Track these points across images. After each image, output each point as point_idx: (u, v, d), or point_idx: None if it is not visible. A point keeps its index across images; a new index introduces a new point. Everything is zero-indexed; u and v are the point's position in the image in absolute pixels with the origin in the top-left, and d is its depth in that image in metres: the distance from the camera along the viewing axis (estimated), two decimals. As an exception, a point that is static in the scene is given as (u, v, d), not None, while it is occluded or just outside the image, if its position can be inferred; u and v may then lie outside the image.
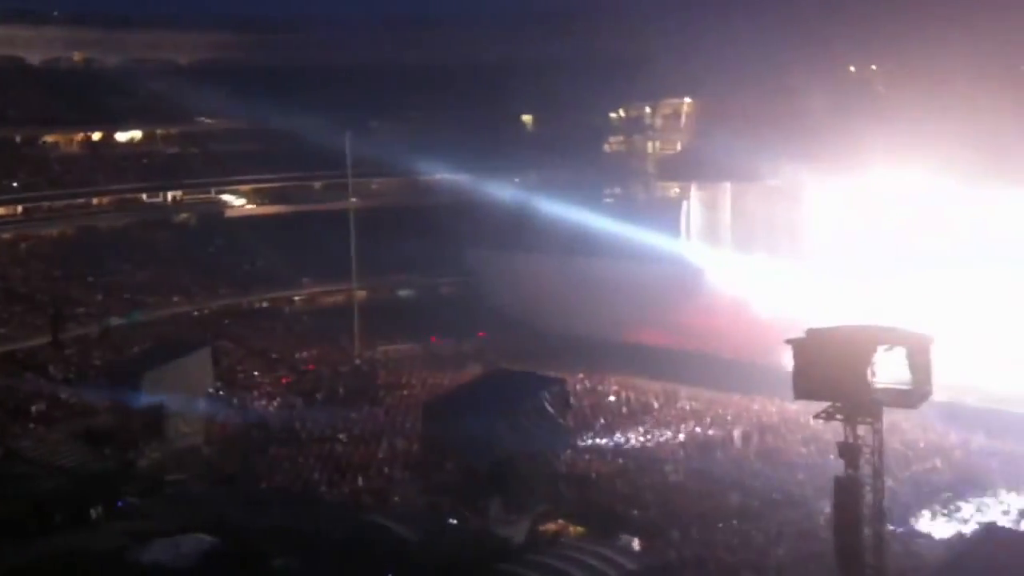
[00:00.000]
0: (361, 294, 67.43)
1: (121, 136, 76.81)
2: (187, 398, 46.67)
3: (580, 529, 36.37)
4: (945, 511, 35.29)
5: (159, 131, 78.01)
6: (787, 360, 28.35)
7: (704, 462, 42.76)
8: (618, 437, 46.65)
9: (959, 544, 30.39)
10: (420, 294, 72.08)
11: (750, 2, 64.46)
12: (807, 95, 53.33)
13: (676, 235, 61.53)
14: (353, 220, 64.97)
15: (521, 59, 78.62)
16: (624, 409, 51.33)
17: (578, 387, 51.77)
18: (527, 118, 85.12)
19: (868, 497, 27.20)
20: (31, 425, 47.76)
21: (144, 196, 73.89)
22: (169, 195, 74.63)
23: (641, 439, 46.28)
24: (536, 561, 31.86)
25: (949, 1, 55.37)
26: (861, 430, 27.34)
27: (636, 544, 34.13)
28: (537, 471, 38.76)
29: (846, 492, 27.17)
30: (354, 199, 67.62)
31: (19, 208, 67.90)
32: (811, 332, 28.11)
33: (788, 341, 28.15)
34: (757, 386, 48.86)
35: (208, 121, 78.13)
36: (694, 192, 64.18)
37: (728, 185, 61.63)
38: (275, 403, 53.96)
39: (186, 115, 76.93)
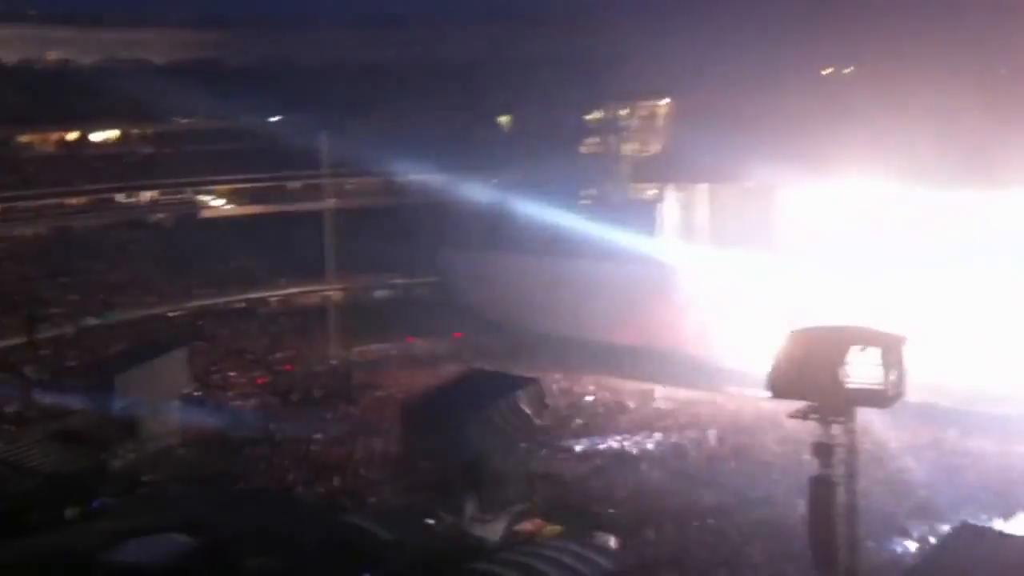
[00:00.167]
0: (337, 294, 67.38)
1: (96, 136, 76.40)
2: (162, 399, 46.59)
3: (556, 528, 36.46)
4: (919, 510, 35.60)
5: (134, 131, 77.62)
6: (762, 360, 28.61)
7: (679, 461, 43.03)
8: (593, 436, 46.81)
9: (932, 543, 30.64)
10: (396, 294, 72.07)
11: (726, 5, 64.76)
12: (783, 97, 53.77)
13: (652, 236, 61.76)
14: (329, 220, 64.87)
15: (497, 59, 78.78)
16: (600, 408, 51.53)
17: (554, 387, 51.86)
18: (503, 118, 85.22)
19: (842, 496, 27.48)
20: (5, 426, 47.46)
21: (119, 196, 73.50)
22: (145, 195, 74.29)
23: (616, 438, 46.43)
24: (512, 560, 31.96)
25: (925, 4, 55.91)
26: (835, 430, 27.60)
27: (612, 543, 34.30)
28: (513, 471, 38.93)
29: (820, 491, 27.45)
30: (330, 199, 67.54)
31: (-7, 208, 67.50)
32: (791, 334, 28.39)
33: (765, 342, 28.44)
34: (731, 385, 49.15)
35: (184, 121, 77.80)
36: (670, 193, 64.43)
37: (704, 186, 61.93)
38: (251, 403, 53.84)
39: (162, 115, 76.57)
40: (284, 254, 69.52)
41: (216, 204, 76.72)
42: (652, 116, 75.99)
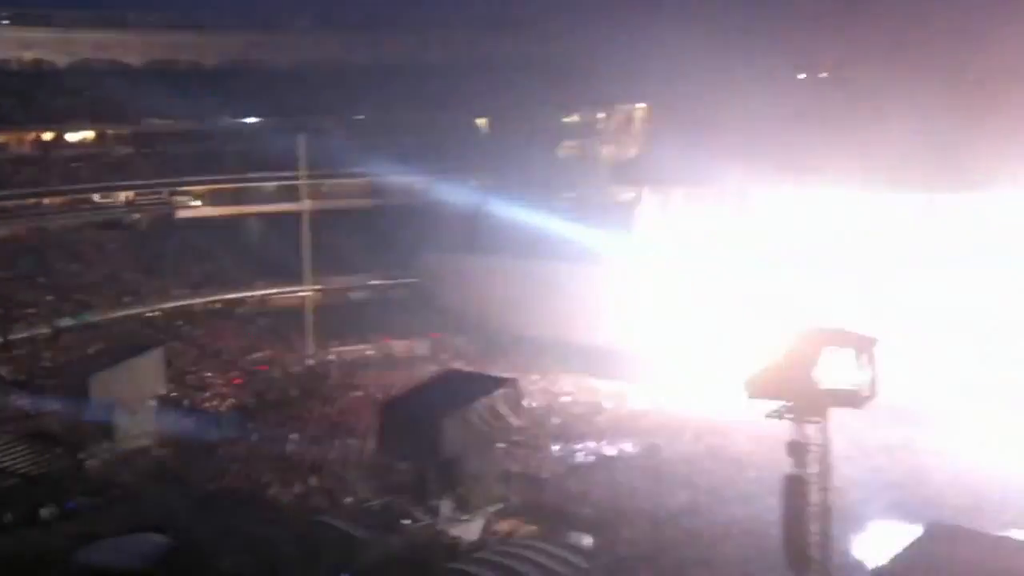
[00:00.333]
0: (314, 295, 67.30)
1: (72, 136, 75.97)
2: (137, 400, 46.47)
3: (532, 528, 36.62)
4: (891, 509, 35.93)
5: (110, 131, 77.23)
6: (737, 361, 28.87)
7: (655, 461, 43.30)
8: (570, 436, 46.99)
9: (905, 541, 30.91)
10: (374, 295, 71.96)
11: (703, 10, 65.13)
12: (758, 101, 54.12)
13: (629, 238, 61.98)
14: (306, 221, 64.79)
15: (475, 62, 78.88)
16: (577, 409, 51.72)
17: (531, 387, 51.99)
18: (482, 121, 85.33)
19: (815, 495, 27.74)
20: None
21: (95, 196, 73.11)
22: (121, 196, 73.92)
23: (593, 438, 46.61)
24: (488, 560, 32.13)
25: (898, 10, 56.47)
26: (809, 429, 27.86)
27: (587, 542, 34.47)
28: (489, 471, 39.01)
29: (794, 489, 27.69)
30: (307, 200, 67.45)
31: (-32, 208, 66.96)
32: (767, 335, 28.70)
33: (741, 343, 28.74)
34: (706, 386, 49.41)
35: (160, 122, 77.47)
36: (647, 196, 64.71)
37: (680, 189, 62.24)
38: (227, 404, 53.70)
39: (138, 116, 76.21)
40: (261, 255, 69.36)
41: (193, 205, 76.39)
42: (629, 120, 76.32)
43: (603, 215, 64.12)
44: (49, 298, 61.44)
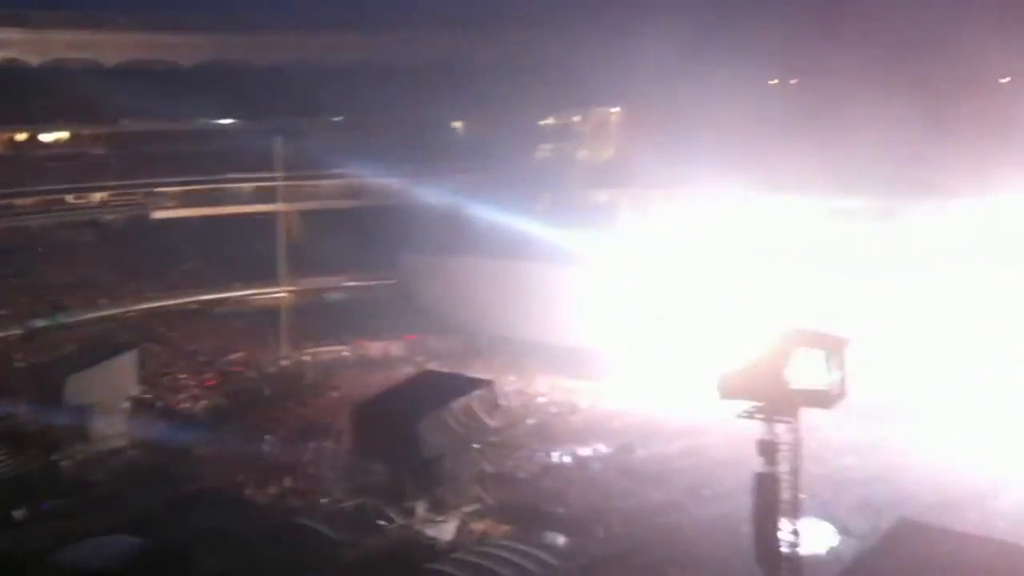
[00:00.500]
0: (290, 296, 67.21)
1: (47, 137, 75.57)
2: (112, 401, 46.38)
3: (507, 528, 36.82)
4: (860, 506, 36.36)
5: (86, 132, 76.88)
6: (711, 361, 29.20)
7: (629, 460, 43.60)
8: (545, 436, 47.21)
9: (874, 538, 31.32)
10: (350, 296, 71.92)
11: (678, 16, 65.51)
12: (731, 106, 54.61)
13: (605, 239, 62.24)
14: (281, 222, 64.72)
15: (452, 64, 78.98)
16: (552, 409, 51.96)
17: (507, 388, 52.11)
18: (459, 123, 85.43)
19: (786, 493, 28.10)
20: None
21: (69, 197, 72.74)
22: (96, 196, 73.57)
23: (568, 438, 46.85)
24: (463, 560, 32.31)
25: (870, 17, 57.11)
26: (780, 428, 28.23)
27: (561, 541, 34.70)
28: (465, 471, 39.18)
29: (765, 487, 28.07)
30: (283, 202, 67.35)
31: (-58, 209, 66.54)
32: (738, 337, 29.06)
33: (715, 343, 29.08)
34: (682, 385, 49.70)
35: (135, 122, 77.14)
36: (623, 198, 65.02)
37: (656, 192, 62.57)
38: (201, 405, 53.62)
39: (113, 116, 75.90)
40: (237, 256, 69.18)
41: (168, 205, 76.07)
42: (604, 123, 76.65)
43: (579, 217, 64.40)
44: (23, 299, 61.15)
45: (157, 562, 31.78)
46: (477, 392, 40.26)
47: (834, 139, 49.88)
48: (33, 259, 66.15)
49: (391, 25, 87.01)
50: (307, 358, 62.18)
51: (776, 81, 66.27)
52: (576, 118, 79.45)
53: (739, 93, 55.93)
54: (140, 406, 49.59)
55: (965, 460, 40.93)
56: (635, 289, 57.71)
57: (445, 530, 36.75)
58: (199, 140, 76.46)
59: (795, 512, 28.13)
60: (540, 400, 53.49)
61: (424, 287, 67.67)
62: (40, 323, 59.01)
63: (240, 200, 75.42)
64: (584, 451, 45.13)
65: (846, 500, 36.73)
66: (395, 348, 63.57)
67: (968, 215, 52.33)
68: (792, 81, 66.03)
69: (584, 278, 58.90)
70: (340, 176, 75.41)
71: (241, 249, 68.61)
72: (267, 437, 47.26)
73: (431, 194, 69.49)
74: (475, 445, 40.09)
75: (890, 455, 42.13)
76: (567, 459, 44.38)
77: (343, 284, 71.64)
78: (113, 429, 45.57)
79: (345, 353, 63.58)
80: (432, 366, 55.86)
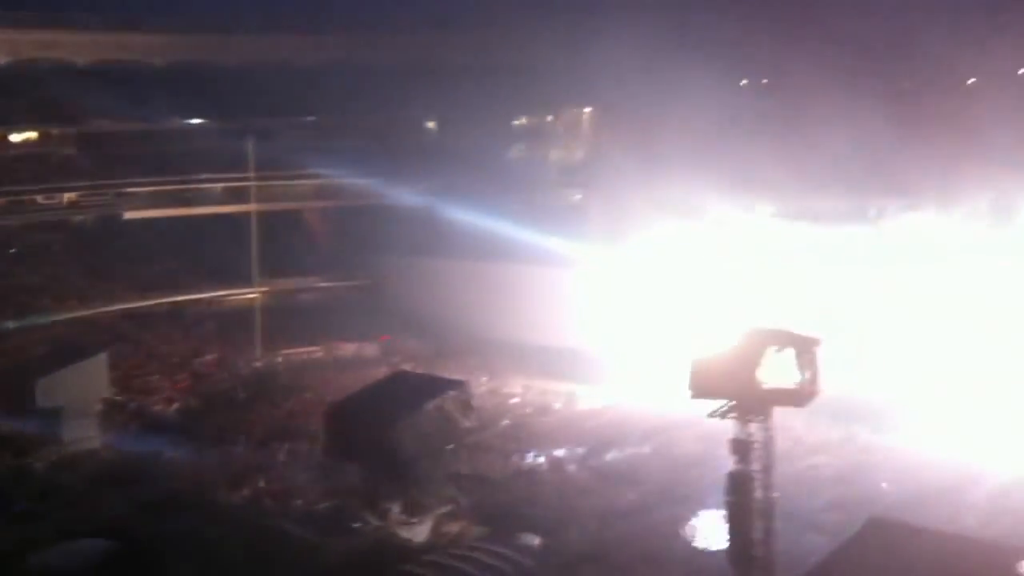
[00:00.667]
0: (262, 297, 66.92)
1: (15, 137, 74.89)
2: (83, 403, 46.05)
3: (481, 529, 36.86)
4: (832, 504, 36.68)
5: (55, 132, 76.24)
6: (682, 361, 29.38)
7: (602, 460, 43.75)
8: (520, 437, 47.28)
9: (845, 535, 31.59)
10: (324, 297, 71.70)
11: (648, 16, 65.79)
12: (701, 106, 54.97)
13: (578, 240, 62.43)
14: (254, 223, 64.46)
15: (424, 64, 78.91)
16: (526, 410, 52.04)
17: (481, 389, 52.21)
18: (431, 124, 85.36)
19: (759, 491, 28.31)
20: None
21: (40, 198, 72.13)
22: (66, 197, 72.99)
23: (542, 439, 46.94)
24: (436, 562, 32.37)
25: (839, 19, 57.61)
26: (752, 427, 28.43)
27: (535, 542, 34.79)
28: (438, 472, 39.19)
29: (737, 486, 28.27)
30: (255, 202, 67.07)
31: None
32: (711, 336, 29.28)
33: (687, 344, 29.25)
34: (654, 386, 49.92)
35: (106, 122, 76.61)
36: (595, 198, 65.22)
37: (628, 192, 62.78)
38: (173, 407, 53.34)
39: (83, 116, 75.32)
40: (209, 257, 68.82)
41: (139, 206, 75.58)
42: (576, 123, 76.89)
43: (552, 217, 64.56)
44: (-8, 301, 60.63)
45: (131, 565, 31.64)
46: (451, 393, 40.27)
47: (803, 139, 50.32)
48: (2, 260, 65.55)
49: (363, 26, 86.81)
50: (280, 359, 62.00)
51: (746, 82, 66.73)
52: (548, 118, 79.61)
53: (710, 94, 56.28)
54: (112, 408, 49.24)
55: (934, 457, 41.39)
56: (608, 289, 57.94)
57: (419, 532, 36.76)
58: (170, 140, 75.87)
59: (768, 511, 28.33)
60: (514, 401, 53.56)
61: (398, 288, 67.61)
62: (10, 325, 58.45)
63: (212, 200, 75.06)
64: (558, 452, 45.23)
65: (818, 498, 37.04)
66: (369, 349, 63.43)
67: (934, 214, 52.95)
68: (763, 82, 66.54)
69: (557, 278, 59.07)
70: (313, 177, 75.22)
71: (213, 250, 68.27)
72: (240, 439, 47.05)
73: (405, 195, 69.48)
74: (449, 446, 40.08)
75: (862, 453, 42.55)
76: (541, 460, 44.46)
77: (316, 285, 71.44)
78: (85, 431, 45.22)
79: (318, 354, 63.40)
80: (406, 367, 55.81)
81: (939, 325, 48.34)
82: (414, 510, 37.56)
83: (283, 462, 44.04)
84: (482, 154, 74.58)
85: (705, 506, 35.78)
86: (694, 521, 35.68)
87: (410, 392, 41.19)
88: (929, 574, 25.93)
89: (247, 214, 66.07)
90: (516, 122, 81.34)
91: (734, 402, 28.40)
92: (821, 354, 28.99)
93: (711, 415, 29.14)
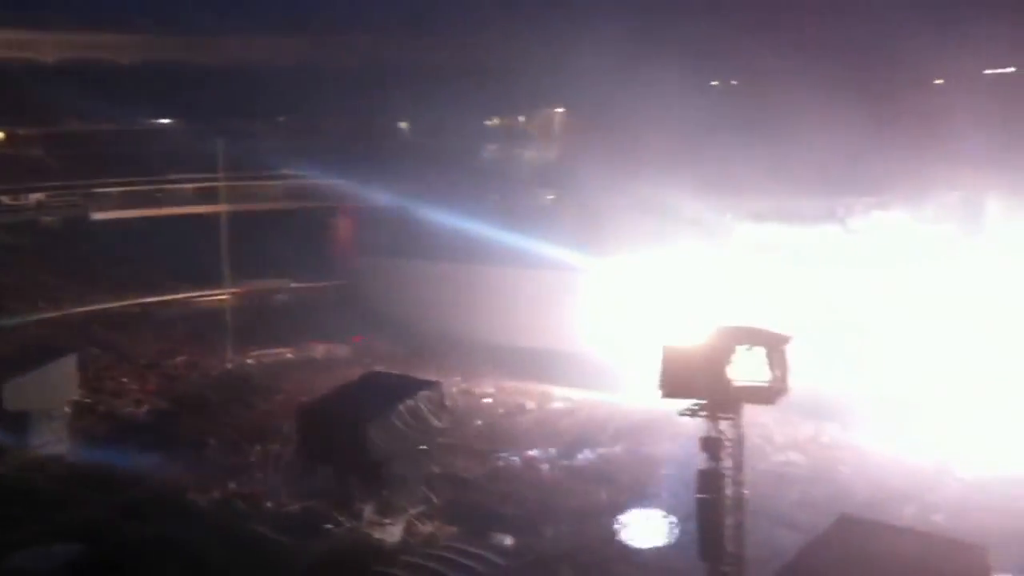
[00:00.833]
0: (234, 299, 66.63)
1: (-18, 137, 74.35)
2: (52, 406, 45.65)
3: (454, 529, 36.88)
4: (801, 501, 36.94)
5: (22, 132, 75.63)
6: (653, 361, 29.51)
7: (576, 459, 43.88)
8: (493, 437, 47.34)
9: (815, 533, 31.82)
10: (296, 298, 71.52)
11: (620, 16, 66.06)
12: (672, 106, 55.25)
13: (553, 240, 62.53)
14: (225, 224, 64.21)
15: (397, 65, 78.89)
16: (499, 410, 52.11)
17: (454, 389, 52.22)
18: (405, 124, 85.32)
19: (729, 489, 28.50)
20: None
21: (6, 198, 71.53)
22: (33, 197, 72.40)
23: (516, 439, 47.03)
24: (410, 562, 32.39)
25: (809, 19, 58.06)
26: (723, 425, 28.63)
27: (508, 542, 34.85)
28: (412, 473, 39.15)
29: (708, 484, 28.43)
30: (227, 203, 66.79)
31: None
32: (680, 335, 29.42)
33: (657, 343, 29.38)
34: (626, 385, 50.13)
35: (74, 122, 76.07)
36: (569, 198, 65.37)
37: (600, 193, 62.97)
38: (144, 409, 53.01)
39: (52, 116, 74.77)
40: (180, 258, 68.44)
41: (108, 206, 75.11)
42: (549, 124, 77.09)
43: (525, 218, 64.66)
44: (-42, 303, 60.09)
45: (100, 569, 31.44)
46: (424, 393, 40.21)
47: (772, 140, 50.72)
48: (-32, 262, 64.96)
49: (335, 27, 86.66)
50: (252, 361, 61.75)
51: (717, 82, 67.22)
52: (521, 119, 79.75)
53: (680, 94, 56.57)
54: (81, 411, 48.84)
55: (904, 454, 41.77)
56: (581, 289, 58.08)
57: (393, 532, 36.72)
58: (140, 140, 75.61)
59: (739, 508, 28.52)
60: (487, 401, 53.61)
61: (371, 289, 67.51)
62: (-24, 327, 57.97)
63: (182, 201, 74.71)
64: (531, 451, 45.33)
65: (788, 495, 37.31)
66: (342, 350, 63.26)
67: (907, 213, 53.46)
68: (732, 82, 67.03)
69: (529, 278, 59.17)
70: (286, 177, 75.05)
71: (184, 251, 67.88)
72: (211, 441, 46.83)
73: (378, 195, 69.42)
74: (422, 447, 40.07)
75: (830, 450, 42.89)
76: (515, 459, 44.55)
77: (289, 286, 71.22)
78: (53, 435, 44.84)
79: (291, 356, 63.19)
80: (379, 368, 55.69)
81: (909, 323, 48.79)
82: (388, 511, 37.51)
83: (255, 464, 43.83)
84: (455, 155, 74.60)
85: (678, 504, 35.90)
86: (667, 518, 35.74)
87: (383, 393, 41.06)
88: (898, 571, 26.20)
89: (218, 214, 65.79)
90: (489, 123, 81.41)
91: (704, 400, 28.56)
92: (791, 352, 29.18)
93: (682, 413, 29.29)
